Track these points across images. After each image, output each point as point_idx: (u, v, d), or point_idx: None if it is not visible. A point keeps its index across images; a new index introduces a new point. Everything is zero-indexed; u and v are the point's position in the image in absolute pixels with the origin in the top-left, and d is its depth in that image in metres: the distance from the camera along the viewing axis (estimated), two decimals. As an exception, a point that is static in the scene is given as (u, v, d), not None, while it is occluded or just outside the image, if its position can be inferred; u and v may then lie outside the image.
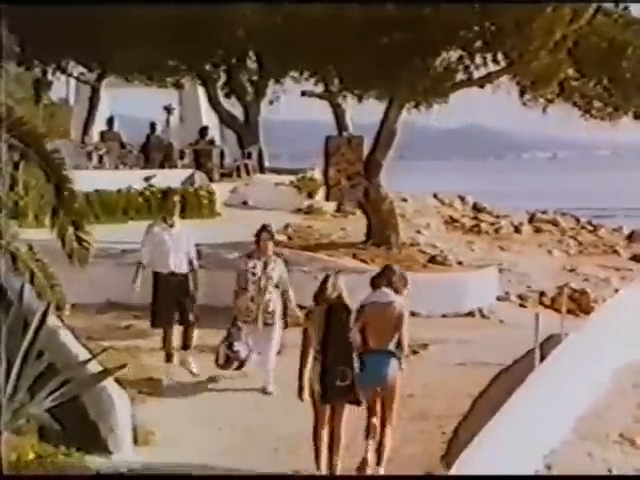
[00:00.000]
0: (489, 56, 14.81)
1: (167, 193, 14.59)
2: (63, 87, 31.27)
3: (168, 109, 28.24)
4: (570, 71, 16.81)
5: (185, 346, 12.26)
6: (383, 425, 9.22)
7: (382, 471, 9.12)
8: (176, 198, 12.79)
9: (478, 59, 14.81)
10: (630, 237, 25.32)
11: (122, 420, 8.81)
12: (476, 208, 26.68)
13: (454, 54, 14.74)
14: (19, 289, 9.07)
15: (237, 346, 11.41)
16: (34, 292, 10.35)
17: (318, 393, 8.87)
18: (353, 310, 9.14)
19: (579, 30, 14.76)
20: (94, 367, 9.30)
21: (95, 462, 8.35)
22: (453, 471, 8.64)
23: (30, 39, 21.70)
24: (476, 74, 16.34)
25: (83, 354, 10.08)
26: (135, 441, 9.22)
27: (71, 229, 10.29)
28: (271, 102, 25.54)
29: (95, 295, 14.87)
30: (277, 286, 11.79)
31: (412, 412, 11.14)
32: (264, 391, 11.59)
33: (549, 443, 10.70)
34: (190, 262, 12.29)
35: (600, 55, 16.00)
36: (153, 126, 26.80)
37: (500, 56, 15.03)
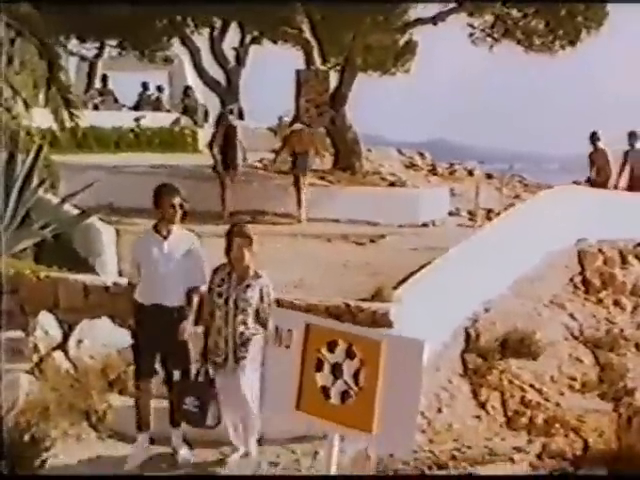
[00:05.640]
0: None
1: (159, 191, 7.48)
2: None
3: (159, 88, 28.59)
4: (514, 11, 17.33)
5: (172, 420, 7.60)
6: None
7: None
8: (176, 200, 7.41)
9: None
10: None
11: (108, 249, 9.12)
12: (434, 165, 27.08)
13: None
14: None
15: (188, 403, 7.23)
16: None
17: None
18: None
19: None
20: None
21: (84, 278, 8.64)
22: (399, 292, 9.04)
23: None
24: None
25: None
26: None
27: (63, 105, 10.59)
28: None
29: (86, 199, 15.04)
30: (257, 314, 7.39)
31: (367, 273, 11.54)
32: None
33: (487, 293, 11.11)
34: (189, 292, 7.47)
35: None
36: (145, 85, 27.16)
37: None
